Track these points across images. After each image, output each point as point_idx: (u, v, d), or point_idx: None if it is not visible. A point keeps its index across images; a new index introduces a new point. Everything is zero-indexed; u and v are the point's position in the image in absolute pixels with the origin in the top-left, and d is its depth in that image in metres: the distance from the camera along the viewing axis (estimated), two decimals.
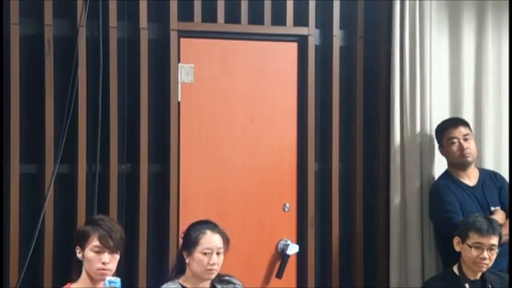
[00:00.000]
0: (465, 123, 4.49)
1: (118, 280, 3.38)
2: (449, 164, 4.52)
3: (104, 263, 3.45)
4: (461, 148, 4.41)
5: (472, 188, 4.45)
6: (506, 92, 4.77)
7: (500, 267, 4.15)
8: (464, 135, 4.43)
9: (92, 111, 4.03)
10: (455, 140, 4.43)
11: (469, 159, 4.44)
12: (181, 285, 3.69)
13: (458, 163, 4.46)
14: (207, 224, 3.76)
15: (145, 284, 4.07)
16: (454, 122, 4.50)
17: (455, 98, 4.71)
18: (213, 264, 3.65)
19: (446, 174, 4.52)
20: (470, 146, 4.43)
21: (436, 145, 4.58)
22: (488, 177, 4.53)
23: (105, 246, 3.46)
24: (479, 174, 4.51)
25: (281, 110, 4.45)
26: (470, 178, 4.49)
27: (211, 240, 3.69)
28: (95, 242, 3.47)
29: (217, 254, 3.68)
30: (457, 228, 4.07)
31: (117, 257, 3.50)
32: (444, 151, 4.51)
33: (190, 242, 3.72)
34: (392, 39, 4.53)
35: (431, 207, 4.49)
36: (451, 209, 4.32)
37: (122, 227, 3.71)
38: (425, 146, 4.57)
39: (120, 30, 4.08)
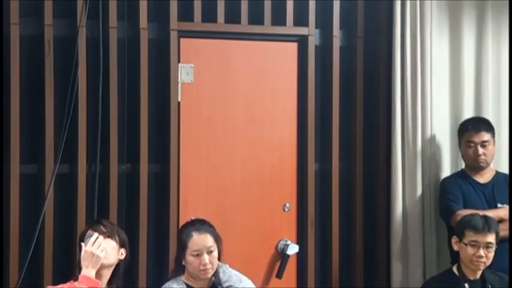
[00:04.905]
0: (487, 128, 4.47)
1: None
2: (464, 162, 4.57)
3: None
4: (476, 154, 4.42)
5: (482, 185, 4.47)
6: (506, 92, 4.77)
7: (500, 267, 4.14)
8: (483, 141, 4.42)
9: (92, 111, 4.03)
10: (473, 145, 4.43)
11: (482, 164, 4.45)
12: (185, 283, 3.69)
13: (471, 166, 4.49)
14: (193, 225, 3.71)
15: (145, 284, 4.08)
16: (477, 125, 4.47)
17: (455, 98, 4.71)
18: (204, 265, 3.64)
19: (460, 171, 4.57)
20: (487, 153, 4.43)
21: (437, 144, 4.60)
22: (503, 178, 4.52)
23: (97, 231, 3.47)
24: (495, 174, 4.52)
25: (281, 110, 4.45)
26: (484, 176, 4.50)
27: (198, 241, 3.64)
28: (88, 232, 3.51)
29: (209, 253, 3.65)
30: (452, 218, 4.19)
31: (111, 242, 3.50)
32: (461, 150, 4.53)
33: (181, 245, 3.71)
34: (392, 39, 4.53)
35: (438, 201, 4.52)
36: (451, 198, 4.37)
37: (122, 227, 3.72)
38: (425, 145, 4.57)
39: (120, 30, 4.09)
